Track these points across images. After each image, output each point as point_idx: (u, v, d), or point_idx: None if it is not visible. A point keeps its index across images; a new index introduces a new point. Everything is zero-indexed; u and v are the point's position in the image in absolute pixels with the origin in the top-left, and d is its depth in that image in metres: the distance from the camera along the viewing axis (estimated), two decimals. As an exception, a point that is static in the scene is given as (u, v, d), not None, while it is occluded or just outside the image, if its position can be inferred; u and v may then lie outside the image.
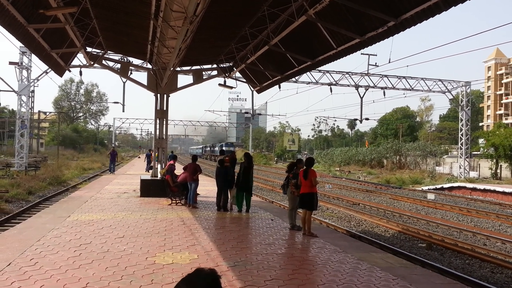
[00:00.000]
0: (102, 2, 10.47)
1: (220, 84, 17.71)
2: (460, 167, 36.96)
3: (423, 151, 50.59)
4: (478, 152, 43.40)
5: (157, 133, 15.65)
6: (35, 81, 30.50)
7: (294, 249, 7.80)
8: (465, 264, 9.64)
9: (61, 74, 15.43)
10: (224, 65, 16.75)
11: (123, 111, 30.12)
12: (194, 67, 17.08)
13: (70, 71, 15.54)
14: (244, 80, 18.17)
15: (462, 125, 36.36)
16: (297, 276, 5.77)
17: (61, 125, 66.67)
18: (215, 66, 16.95)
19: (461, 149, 36.84)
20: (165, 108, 15.59)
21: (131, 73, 17.10)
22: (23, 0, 9.02)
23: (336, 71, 30.23)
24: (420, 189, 29.65)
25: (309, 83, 29.82)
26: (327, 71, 29.89)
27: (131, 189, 16.27)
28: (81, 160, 47.50)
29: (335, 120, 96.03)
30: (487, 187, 27.21)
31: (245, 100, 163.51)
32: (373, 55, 26.88)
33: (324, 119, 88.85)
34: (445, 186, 30.41)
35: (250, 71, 16.48)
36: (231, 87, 18.08)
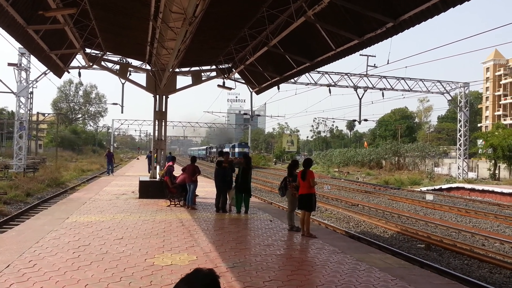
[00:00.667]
0: (101, 3, 10.48)
1: (219, 85, 17.72)
2: (458, 168, 37.01)
3: (421, 152, 50.65)
4: (477, 152, 43.46)
5: (156, 134, 15.65)
6: (34, 82, 30.49)
7: (293, 250, 7.80)
8: (463, 265, 9.65)
9: (60, 75, 15.42)
10: (223, 66, 16.76)
11: (122, 112, 30.24)
12: (193, 68, 17.08)
13: (69, 72, 15.56)
14: (243, 81, 18.17)
15: (461, 126, 36.42)
16: (296, 277, 5.77)
17: (60, 126, 66.66)
18: (214, 67, 16.96)
19: (459, 150, 36.89)
20: (164, 109, 15.59)
21: (130, 74, 17.10)
22: (22, 1, 9.02)
23: (335, 72, 30.30)
24: (419, 190, 29.67)
25: (308, 84, 29.86)
26: (326, 72, 29.94)
27: (129, 191, 16.26)
28: (80, 161, 47.43)
29: (334, 121, 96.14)
30: (486, 187, 27.25)
31: (244, 101, 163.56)
32: (372, 56, 26.99)
33: (323, 120, 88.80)
34: (444, 187, 30.44)
35: (249, 72, 16.49)
36: (230, 88, 18.09)
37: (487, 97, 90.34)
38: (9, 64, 28.48)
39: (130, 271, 5.77)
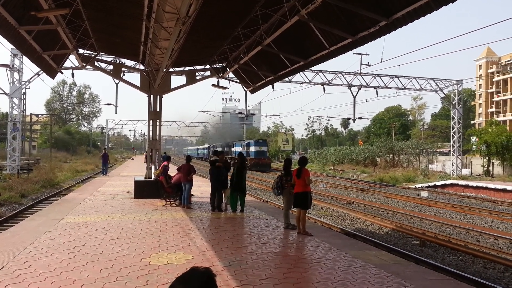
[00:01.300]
0: (94, 3, 10.44)
1: (213, 85, 17.70)
2: (452, 165, 37.24)
3: (415, 150, 50.93)
4: (471, 149, 43.78)
5: (151, 134, 15.62)
6: (27, 83, 30.28)
7: (289, 248, 7.83)
8: (458, 260, 9.73)
9: (53, 76, 15.34)
10: (217, 66, 16.74)
11: (116, 112, 30.07)
12: (187, 68, 17.05)
13: (62, 73, 15.48)
14: (237, 81, 18.18)
15: (454, 123, 36.65)
16: (292, 275, 5.80)
17: (54, 127, 66.22)
18: (208, 66, 16.95)
19: (453, 147, 37.13)
20: (158, 109, 15.56)
21: (123, 74, 17.03)
22: (14, 1, 8.96)
23: (329, 71, 30.36)
24: (413, 187, 29.85)
25: (302, 83, 29.90)
26: (320, 71, 29.99)
27: (124, 191, 16.21)
28: (74, 162, 47.19)
29: (329, 120, 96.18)
30: (480, 184, 27.45)
31: (239, 101, 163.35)
32: (366, 54, 27.08)
33: (317, 119, 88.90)
34: (438, 183, 30.64)
35: (243, 72, 16.50)
36: (225, 88, 18.07)
37: (480, 95, 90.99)
38: (2, 65, 28.25)
39: (126, 270, 5.77)
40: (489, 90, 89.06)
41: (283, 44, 12.17)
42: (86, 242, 7.44)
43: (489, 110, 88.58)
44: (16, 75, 28.49)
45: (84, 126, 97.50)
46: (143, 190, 14.16)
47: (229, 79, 18.16)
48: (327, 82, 30.37)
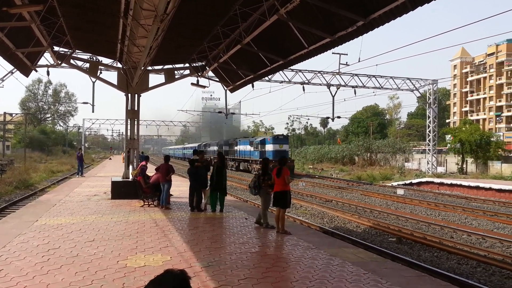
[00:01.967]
0: (69, 0, 10.19)
1: (192, 84, 17.56)
2: (428, 163, 38.09)
3: (392, 148, 51.87)
4: (446, 147, 44.83)
5: (129, 133, 15.38)
6: (0, 82, 29.40)
7: (268, 247, 7.84)
8: (433, 257, 9.95)
9: (27, 74, 14.89)
10: (197, 64, 16.62)
11: (93, 111, 29.50)
12: (166, 66, 16.87)
13: (36, 71, 15.04)
14: (217, 79, 18.09)
15: (430, 122, 37.48)
16: (271, 274, 5.81)
17: (28, 126, 64.51)
18: (187, 65, 16.80)
19: (428, 145, 37.96)
20: (136, 108, 15.33)
21: (100, 72, 16.69)
22: (-16, -3, 8.66)
23: (308, 70, 30.59)
24: (390, 184, 30.39)
25: (281, 82, 30.03)
26: (300, 70, 30.19)
27: (101, 192, 15.92)
28: (50, 162, 46.09)
29: (308, 119, 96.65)
30: (454, 181, 28.18)
31: (219, 99, 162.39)
32: (344, 54, 27.34)
33: (297, 118, 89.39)
34: (414, 181, 31.29)
35: (223, 70, 16.42)
36: (204, 86, 17.95)
37: (454, 94, 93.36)
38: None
39: (102, 273, 5.66)
40: (463, 90, 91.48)
41: (263, 43, 12.17)
42: (60, 244, 7.27)
43: (463, 109, 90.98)
44: (-13, 72, 27.60)
45: (60, 125, 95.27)
46: (120, 190, 13.93)
47: (209, 78, 18.06)
48: (307, 81, 30.59)
